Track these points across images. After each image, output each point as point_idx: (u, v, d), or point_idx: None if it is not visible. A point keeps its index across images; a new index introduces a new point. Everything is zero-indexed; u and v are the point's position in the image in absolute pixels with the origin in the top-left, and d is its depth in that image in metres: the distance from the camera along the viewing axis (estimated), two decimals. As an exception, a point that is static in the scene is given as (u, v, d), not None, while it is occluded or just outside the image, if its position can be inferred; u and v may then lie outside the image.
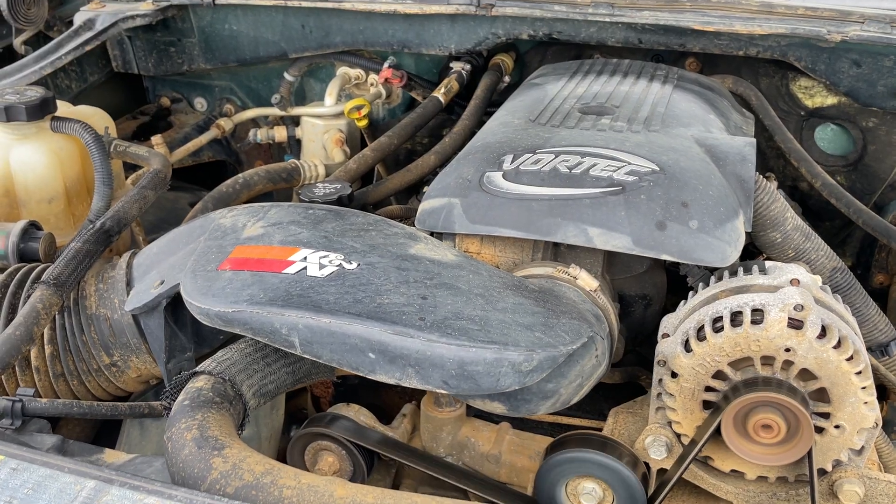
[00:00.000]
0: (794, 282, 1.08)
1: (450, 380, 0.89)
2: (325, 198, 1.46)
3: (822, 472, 1.08)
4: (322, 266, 0.98)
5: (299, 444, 1.31)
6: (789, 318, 1.01)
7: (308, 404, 1.72)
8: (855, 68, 1.71)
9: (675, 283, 1.35)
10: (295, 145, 2.15)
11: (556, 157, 1.20)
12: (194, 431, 0.84)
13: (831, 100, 1.84)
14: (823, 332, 1.01)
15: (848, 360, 1.00)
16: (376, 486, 1.15)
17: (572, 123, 1.35)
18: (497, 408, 1.09)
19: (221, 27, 2.10)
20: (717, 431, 1.06)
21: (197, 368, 1.00)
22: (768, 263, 1.15)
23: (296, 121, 2.14)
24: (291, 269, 0.98)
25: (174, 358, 1.11)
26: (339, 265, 0.99)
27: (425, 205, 1.26)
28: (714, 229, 1.14)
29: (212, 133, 2.10)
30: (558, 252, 1.26)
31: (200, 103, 2.34)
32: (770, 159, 1.99)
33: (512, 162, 1.22)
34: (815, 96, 1.86)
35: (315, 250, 1.02)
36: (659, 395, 1.13)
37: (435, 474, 1.28)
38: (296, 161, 1.79)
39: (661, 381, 1.11)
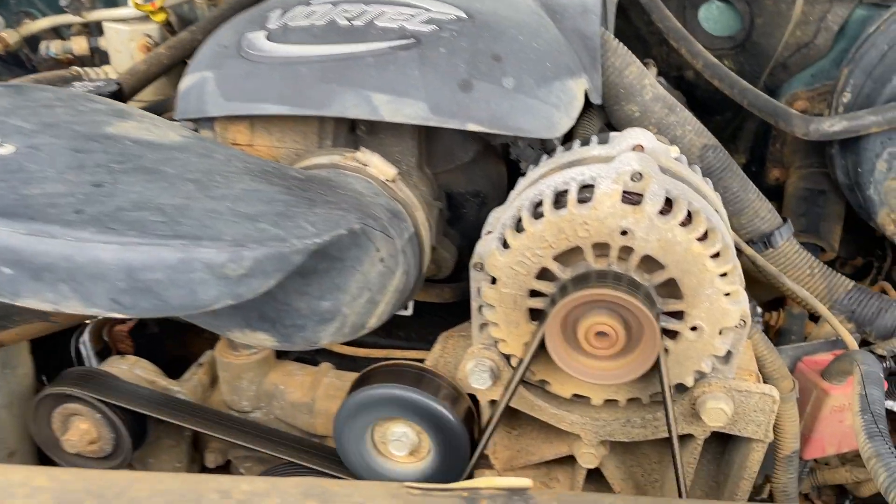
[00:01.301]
0: (637, 148, 0.84)
1: (120, 296, 0.61)
2: (81, 98, 1.13)
3: (682, 388, 0.86)
4: (-41, 152, 0.68)
5: (43, 410, 1.02)
6: (624, 192, 0.77)
7: (115, 362, 1.42)
8: (732, -77, 1.46)
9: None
10: (104, 58, 1.80)
11: (335, 6, 0.91)
12: None
13: (713, -31, 1.59)
14: (669, 207, 0.77)
15: (701, 239, 0.76)
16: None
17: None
18: (263, 339, 0.82)
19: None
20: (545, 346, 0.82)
21: None
22: (612, 133, 0.90)
23: (101, 29, 1.78)
24: (-88, 159, 0.68)
25: None
26: (-14, 150, 0.68)
27: (180, 86, 0.96)
28: (536, 88, 0.87)
29: (-10, 47, 1.72)
30: (357, 137, 0.98)
31: (-4, 21, 1.94)
32: (652, 46, 1.74)
33: (280, 17, 0.92)
34: (696, -33, 1.61)
35: (-42, 133, 0.71)
36: (480, 308, 0.88)
37: (218, 435, 1.02)
38: (78, 68, 1.45)
39: (479, 290, 0.86)
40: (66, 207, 0.62)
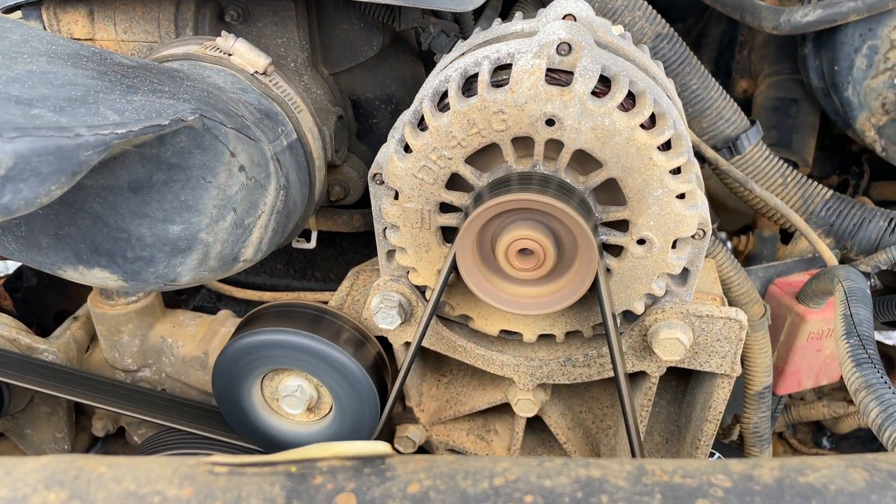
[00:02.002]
0: (568, 17, 0.66)
1: None
2: None
3: (631, 316, 0.71)
4: None
5: None
6: (549, 70, 0.60)
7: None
8: None
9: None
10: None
11: None
12: None
13: None
14: (606, 87, 0.60)
15: (646, 127, 0.60)
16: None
17: None
18: (104, 278, 0.65)
19: None
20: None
21: None
22: (541, 9, 0.72)
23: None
24: None
25: None
26: None
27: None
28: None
29: None
30: (228, 27, 0.79)
31: None
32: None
33: None
34: None
35: None
36: (384, 231, 0.71)
37: (81, 399, 0.85)
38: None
39: (381, 208, 0.69)
40: None
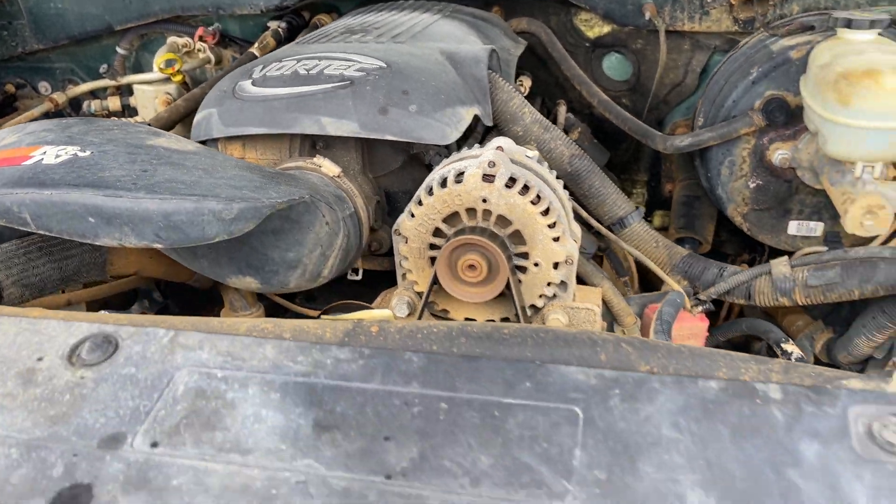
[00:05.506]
0: (499, 148, 1.25)
1: (160, 232, 1.01)
2: (122, 135, 1.56)
3: (536, 308, 1.25)
4: (58, 156, 1.10)
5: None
6: (483, 174, 1.17)
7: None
8: (604, -10, 1.92)
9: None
10: (133, 114, 2.25)
11: (299, 62, 1.35)
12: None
13: (606, 28, 2.04)
14: (513, 182, 1.18)
15: (533, 202, 1.17)
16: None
17: (325, 40, 1.50)
18: (251, 283, 1.22)
19: (48, 6, 2.20)
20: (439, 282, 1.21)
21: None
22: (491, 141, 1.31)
23: (131, 90, 2.24)
24: (29, 162, 1.10)
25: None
26: (74, 154, 1.10)
27: (195, 119, 1.39)
28: (433, 112, 1.30)
29: (44, 107, 2.17)
30: (318, 150, 1.40)
31: (45, 87, 2.42)
32: (568, 90, 2.18)
33: (261, 70, 1.36)
34: (594, 27, 2.06)
35: (55, 146, 1.13)
36: (400, 262, 1.28)
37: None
38: (115, 119, 1.89)
39: (398, 248, 1.26)
40: (126, 181, 1.03)
